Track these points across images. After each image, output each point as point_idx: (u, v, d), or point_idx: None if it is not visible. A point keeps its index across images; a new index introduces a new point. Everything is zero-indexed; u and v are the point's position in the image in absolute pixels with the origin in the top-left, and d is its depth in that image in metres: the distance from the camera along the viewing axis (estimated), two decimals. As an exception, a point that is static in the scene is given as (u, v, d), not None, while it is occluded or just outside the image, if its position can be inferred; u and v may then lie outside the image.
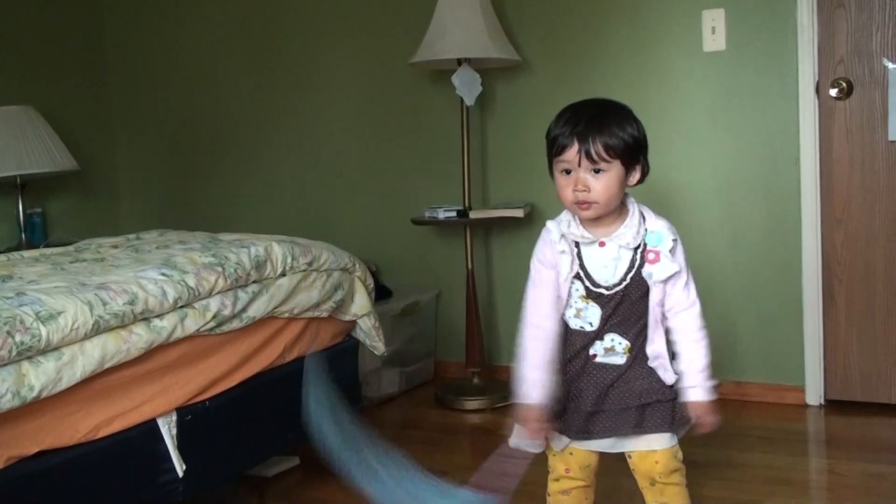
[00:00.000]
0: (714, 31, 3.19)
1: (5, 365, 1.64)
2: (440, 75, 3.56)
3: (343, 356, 2.70)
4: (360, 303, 2.70)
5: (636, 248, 1.71)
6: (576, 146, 1.65)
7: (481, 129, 3.62)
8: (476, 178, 3.58)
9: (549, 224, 1.75)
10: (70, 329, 1.76)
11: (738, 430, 2.95)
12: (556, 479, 1.84)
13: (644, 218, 1.73)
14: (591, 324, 1.74)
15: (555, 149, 1.69)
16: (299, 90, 3.96)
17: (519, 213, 3.34)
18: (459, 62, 3.29)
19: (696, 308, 1.73)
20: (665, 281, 1.70)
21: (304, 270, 2.44)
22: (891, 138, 3.02)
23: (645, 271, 1.70)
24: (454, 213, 3.37)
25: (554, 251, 1.73)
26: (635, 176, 1.71)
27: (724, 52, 3.19)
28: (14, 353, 1.65)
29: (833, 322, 3.16)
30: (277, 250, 2.37)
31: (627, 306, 1.72)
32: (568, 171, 1.68)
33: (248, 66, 4.07)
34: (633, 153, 1.68)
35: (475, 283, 3.45)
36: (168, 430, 2.03)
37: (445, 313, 3.78)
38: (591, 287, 1.71)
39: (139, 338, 1.92)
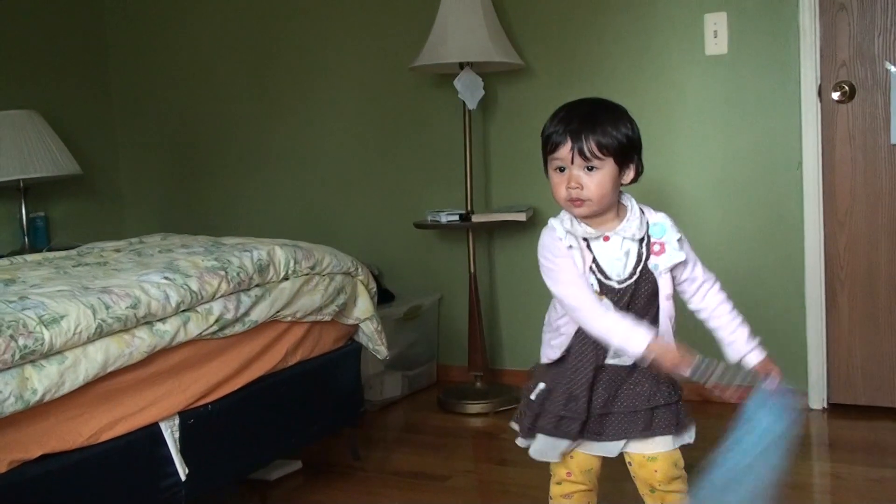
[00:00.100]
0: (716, 34, 3.19)
1: (8, 368, 1.65)
2: (443, 79, 3.57)
3: (345, 360, 2.70)
4: (363, 306, 2.70)
5: (641, 241, 1.72)
6: (569, 144, 1.66)
7: (484, 133, 3.62)
8: (478, 181, 3.59)
9: (553, 221, 1.75)
10: (73, 333, 1.76)
11: (740, 434, 2.95)
12: (558, 483, 1.84)
13: (643, 212, 1.75)
14: None
15: (549, 146, 1.70)
16: (301, 94, 3.97)
17: (521, 217, 3.34)
18: (462, 66, 3.29)
19: (718, 282, 1.78)
20: (673, 269, 1.72)
21: (307, 274, 2.45)
22: (893, 141, 3.02)
23: (651, 263, 1.71)
24: (457, 217, 3.37)
25: (562, 246, 1.72)
26: (629, 174, 1.72)
27: (727, 56, 3.19)
28: (17, 356, 1.65)
29: (836, 325, 3.15)
30: (280, 254, 2.37)
31: (638, 303, 1.72)
32: (562, 169, 1.70)
33: (250, 70, 4.08)
34: (627, 151, 1.69)
35: (478, 286, 3.45)
36: (171, 434, 2.03)
37: (448, 317, 3.78)
38: (604, 280, 1.71)
39: (142, 341, 1.92)
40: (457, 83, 3.28)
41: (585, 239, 1.72)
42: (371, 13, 3.79)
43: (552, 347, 1.78)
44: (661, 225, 1.73)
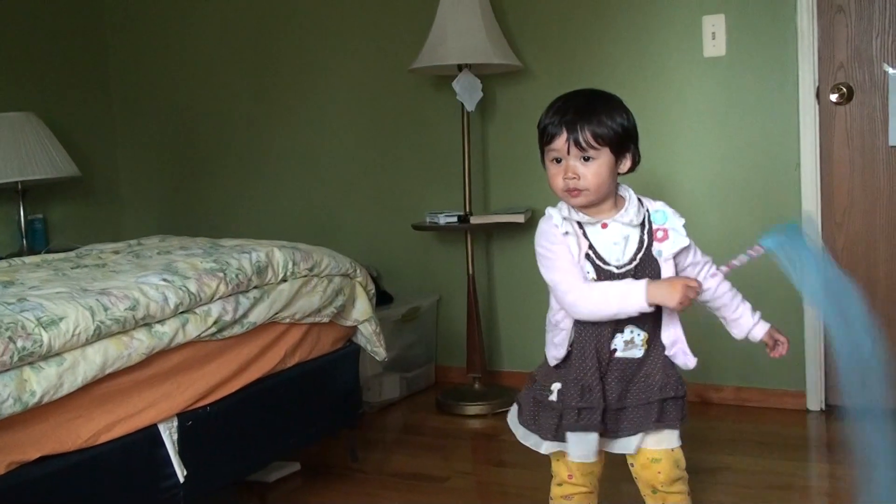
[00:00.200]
0: (714, 36, 3.19)
1: (7, 370, 1.65)
2: (441, 81, 3.57)
3: (344, 362, 2.70)
4: (361, 308, 2.70)
5: (642, 228, 1.72)
6: (564, 134, 1.67)
7: (482, 135, 3.63)
8: (477, 183, 3.59)
9: (550, 210, 1.76)
10: (71, 334, 1.76)
11: (739, 436, 2.95)
12: (559, 485, 1.84)
13: (641, 202, 1.76)
14: None
15: (545, 137, 1.71)
16: (300, 96, 3.97)
17: (520, 219, 3.34)
18: (460, 68, 3.29)
19: (713, 264, 1.81)
20: (677, 255, 1.73)
21: (305, 276, 2.45)
22: (891, 143, 3.03)
23: (655, 249, 1.72)
24: (455, 219, 3.37)
25: (558, 233, 1.72)
26: (626, 164, 1.73)
27: (725, 58, 3.19)
28: (16, 358, 1.65)
29: (834, 327, 3.15)
30: (278, 256, 2.37)
31: None
32: (558, 160, 1.71)
33: (249, 72, 4.08)
34: (623, 141, 1.70)
35: (476, 288, 3.45)
36: (169, 436, 2.03)
37: (446, 319, 3.78)
38: (602, 265, 1.71)
39: (140, 343, 1.93)
40: (455, 85, 3.29)
41: (582, 227, 1.72)
42: (370, 15, 3.79)
43: (556, 346, 1.78)
44: (663, 212, 1.74)
